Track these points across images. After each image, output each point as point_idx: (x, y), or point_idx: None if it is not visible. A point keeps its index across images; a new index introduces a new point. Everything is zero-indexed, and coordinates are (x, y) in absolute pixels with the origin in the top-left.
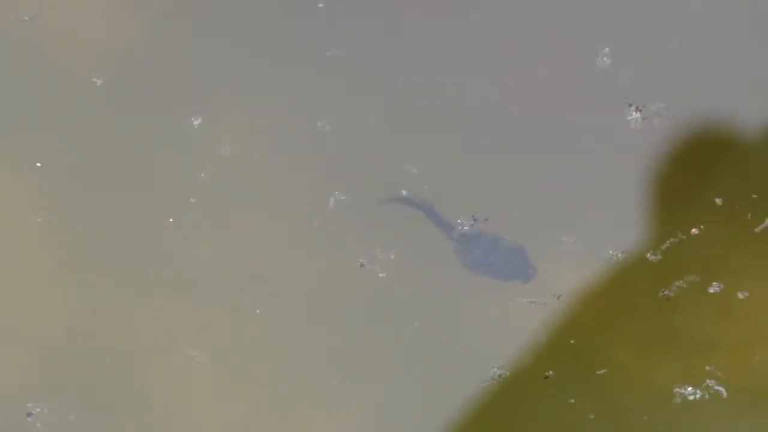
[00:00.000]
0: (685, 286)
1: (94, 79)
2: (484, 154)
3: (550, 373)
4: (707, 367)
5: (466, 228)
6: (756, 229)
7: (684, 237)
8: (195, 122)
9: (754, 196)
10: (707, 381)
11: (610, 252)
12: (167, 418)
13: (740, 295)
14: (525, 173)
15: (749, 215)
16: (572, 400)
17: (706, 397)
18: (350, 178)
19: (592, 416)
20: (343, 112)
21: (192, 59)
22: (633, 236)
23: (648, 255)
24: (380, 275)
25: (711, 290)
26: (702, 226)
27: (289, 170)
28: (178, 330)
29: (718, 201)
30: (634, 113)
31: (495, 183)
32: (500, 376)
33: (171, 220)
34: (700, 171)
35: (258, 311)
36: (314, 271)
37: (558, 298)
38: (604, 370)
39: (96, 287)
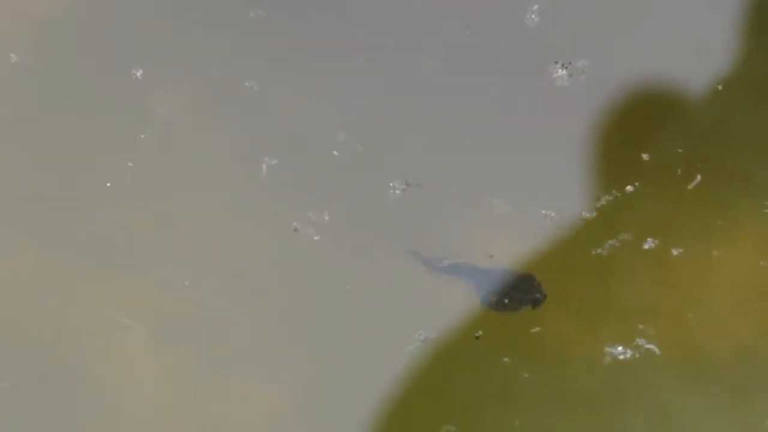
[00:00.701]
0: (618, 244)
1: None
2: (412, 117)
3: (480, 333)
4: (640, 326)
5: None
6: (689, 186)
7: (618, 195)
8: (126, 88)
9: (680, 150)
10: (638, 340)
11: (543, 212)
12: (99, 387)
13: (674, 252)
14: (454, 136)
15: (679, 171)
16: (506, 359)
17: (637, 356)
18: (281, 142)
19: (525, 375)
20: (270, 75)
21: (117, 24)
22: (566, 196)
23: (583, 213)
24: (315, 238)
25: (645, 246)
26: (637, 183)
27: (219, 136)
28: (110, 299)
29: (645, 156)
30: (560, 70)
31: (425, 147)
32: (430, 338)
33: (108, 184)
34: (628, 128)
35: (188, 282)
36: (248, 237)
37: (491, 257)
38: (537, 329)
39: (27, 255)
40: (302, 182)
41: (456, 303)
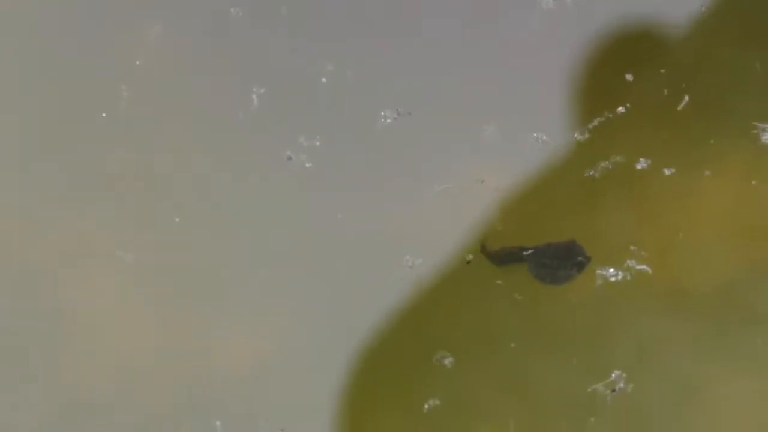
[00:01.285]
0: (611, 166)
1: None
2: (401, 48)
3: (471, 257)
4: (631, 247)
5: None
6: (679, 108)
7: (610, 116)
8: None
9: (663, 71)
10: (629, 262)
11: (535, 135)
12: (80, 319)
13: (666, 172)
14: (443, 64)
15: (665, 92)
16: (498, 282)
17: (628, 278)
18: (269, 71)
19: (518, 296)
20: (257, 3)
21: None
22: (557, 119)
23: (575, 136)
24: (307, 165)
25: (638, 167)
26: (628, 105)
27: (208, 68)
28: (101, 231)
29: (629, 77)
30: None
31: (415, 76)
32: (417, 264)
33: (104, 115)
34: (614, 51)
35: (178, 219)
36: (241, 170)
37: (481, 182)
38: (530, 251)
39: (15, 188)
40: (293, 110)
41: (445, 228)
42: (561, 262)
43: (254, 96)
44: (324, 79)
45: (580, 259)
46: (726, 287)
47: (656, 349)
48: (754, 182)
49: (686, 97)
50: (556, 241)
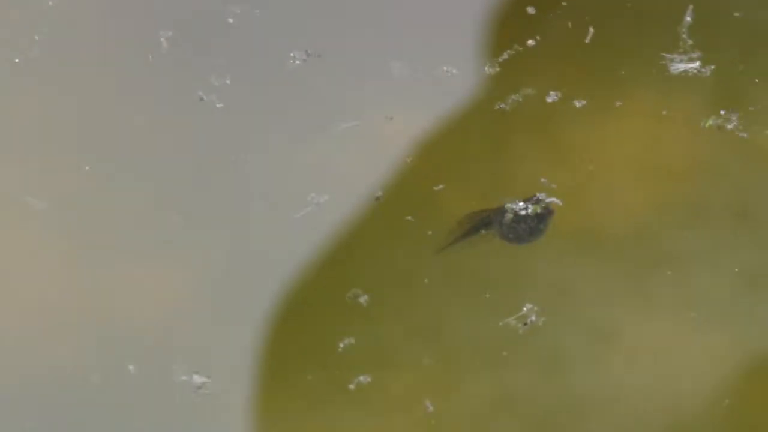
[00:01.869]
0: (521, 99)
1: None
2: None
3: (380, 194)
4: (541, 179)
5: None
6: (586, 40)
7: (520, 49)
8: None
9: (564, 3)
10: (538, 194)
11: (444, 68)
12: None
13: (577, 104)
14: (351, 4)
15: (569, 24)
16: (409, 218)
17: (538, 211)
18: (175, 14)
19: (430, 232)
20: None
21: None
22: (466, 53)
23: (486, 69)
24: (218, 105)
25: (549, 100)
26: (538, 38)
27: (115, 15)
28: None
29: (531, 10)
30: None
31: (324, 19)
32: (323, 202)
33: (17, 60)
34: None
35: (88, 167)
36: (153, 113)
37: (390, 119)
38: (440, 186)
39: None
40: (202, 52)
41: (352, 166)
42: (523, 218)
43: (162, 39)
44: (230, 20)
45: (540, 211)
46: (639, 229)
47: (568, 288)
48: (664, 112)
49: (591, 29)
50: (516, 198)
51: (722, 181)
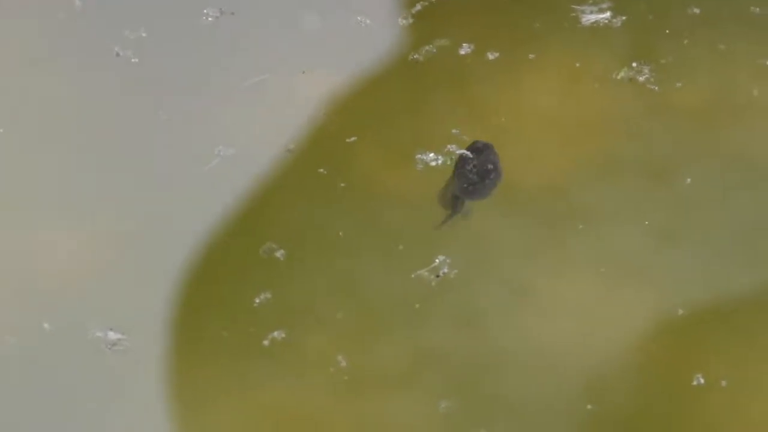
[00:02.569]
0: (435, 51)
1: None
2: None
3: (292, 146)
4: (453, 131)
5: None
6: None
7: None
8: None
9: None
10: (450, 146)
11: (358, 18)
12: None
13: (490, 56)
14: None
15: None
16: (321, 170)
17: (448, 162)
18: None
19: (342, 185)
20: None
21: None
22: (380, 2)
23: (399, 20)
24: (133, 60)
25: (462, 52)
26: None
27: None
28: None
29: None
30: None
31: None
32: (228, 154)
33: None
34: None
35: (2, 129)
36: (66, 71)
37: (303, 72)
38: (353, 138)
39: None
40: (115, 8)
41: (263, 120)
42: (482, 170)
43: None
44: None
45: (490, 165)
46: (550, 180)
47: (481, 241)
48: (577, 65)
49: None
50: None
51: (635, 136)
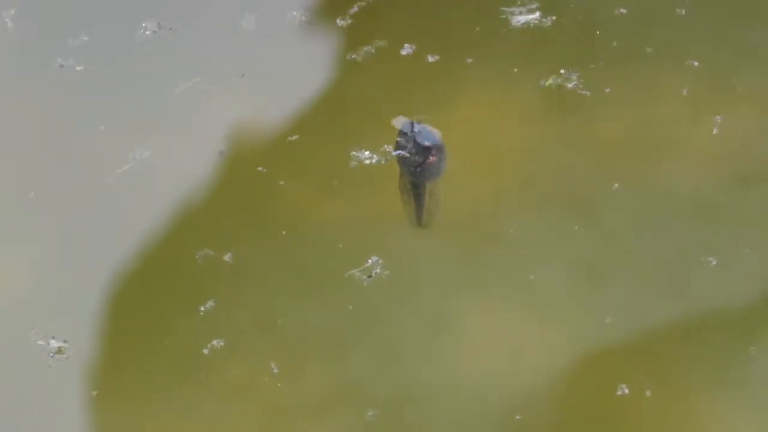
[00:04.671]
0: (374, 51)
1: None
2: None
3: (223, 149)
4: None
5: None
6: None
7: (371, 0)
8: None
9: None
10: (385, 146)
11: (294, 14)
12: None
13: (430, 59)
14: None
15: None
16: (260, 168)
17: (383, 162)
18: None
19: (282, 183)
20: None
21: None
22: (318, 4)
23: (338, 21)
24: (77, 69)
25: (403, 53)
26: None
27: None
28: None
29: None
30: None
31: None
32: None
33: None
34: None
35: None
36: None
37: (243, 76)
38: (296, 137)
39: None
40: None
41: (195, 124)
42: (419, 149)
43: (7, 20)
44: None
45: (426, 142)
46: (477, 215)
47: (403, 272)
48: (515, 70)
49: None
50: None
51: (559, 165)
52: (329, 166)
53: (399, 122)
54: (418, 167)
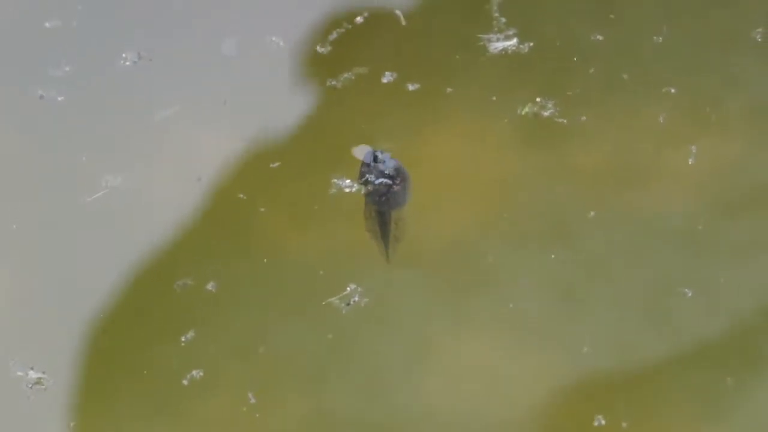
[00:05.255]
0: (353, 77)
1: None
2: None
3: (201, 177)
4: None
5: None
6: (402, 23)
7: (350, 26)
8: None
9: None
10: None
11: (274, 39)
12: None
13: (410, 87)
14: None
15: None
16: (241, 195)
17: (363, 191)
18: None
19: (262, 209)
20: None
21: None
22: (296, 27)
23: (317, 48)
24: (59, 99)
25: (384, 80)
26: (366, 14)
27: None
28: None
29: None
30: None
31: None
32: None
33: None
34: None
35: None
36: None
37: (224, 103)
38: (277, 164)
39: None
40: (34, 49)
41: (173, 147)
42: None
43: None
44: (48, 24)
45: (388, 171)
46: (457, 245)
47: (383, 301)
48: (494, 98)
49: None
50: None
51: (538, 194)
52: (309, 194)
53: (361, 152)
54: (383, 196)
